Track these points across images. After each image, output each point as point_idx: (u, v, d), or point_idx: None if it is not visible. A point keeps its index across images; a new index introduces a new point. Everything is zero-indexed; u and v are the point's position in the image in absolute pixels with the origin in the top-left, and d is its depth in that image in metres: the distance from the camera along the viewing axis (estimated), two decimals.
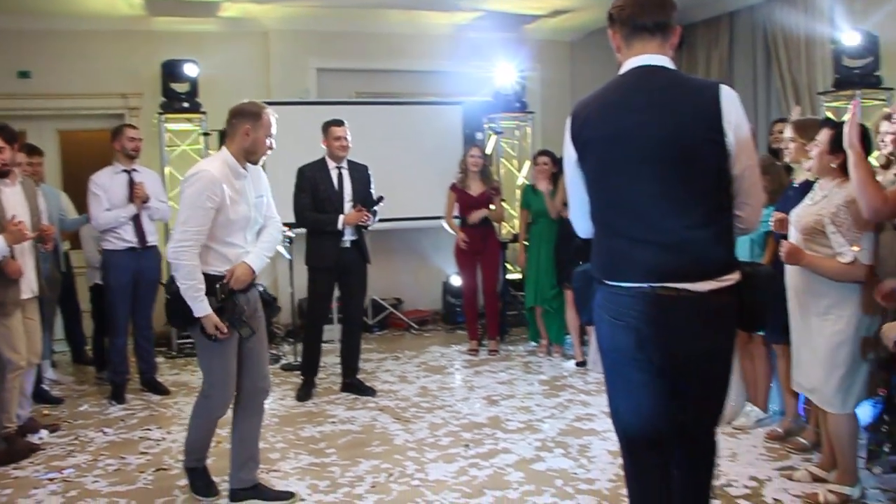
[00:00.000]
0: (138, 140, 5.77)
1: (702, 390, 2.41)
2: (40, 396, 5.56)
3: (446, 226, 6.87)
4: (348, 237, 5.53)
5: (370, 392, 5.63)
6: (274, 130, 3.62)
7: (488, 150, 7.95)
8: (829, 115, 6.59)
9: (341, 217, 5.47)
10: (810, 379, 3.60)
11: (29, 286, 4.63)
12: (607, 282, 2.42)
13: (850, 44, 6.32)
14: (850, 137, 3.12)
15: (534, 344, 6.97)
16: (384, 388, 5.78)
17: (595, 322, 2.52)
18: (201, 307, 3.45)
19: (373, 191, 5.67)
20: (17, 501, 3.90)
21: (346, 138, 5.54)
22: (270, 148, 3.62)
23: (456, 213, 6.83)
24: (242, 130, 3.52)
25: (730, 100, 2.29)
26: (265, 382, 3.82)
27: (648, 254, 2.31)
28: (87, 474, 4.25)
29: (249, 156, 3.58)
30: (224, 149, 3.60)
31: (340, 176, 5.58)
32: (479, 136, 7.98)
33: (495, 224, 6.93)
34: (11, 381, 4.49)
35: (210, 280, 3.48)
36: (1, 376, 4.43)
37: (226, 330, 3.49)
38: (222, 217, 3.49)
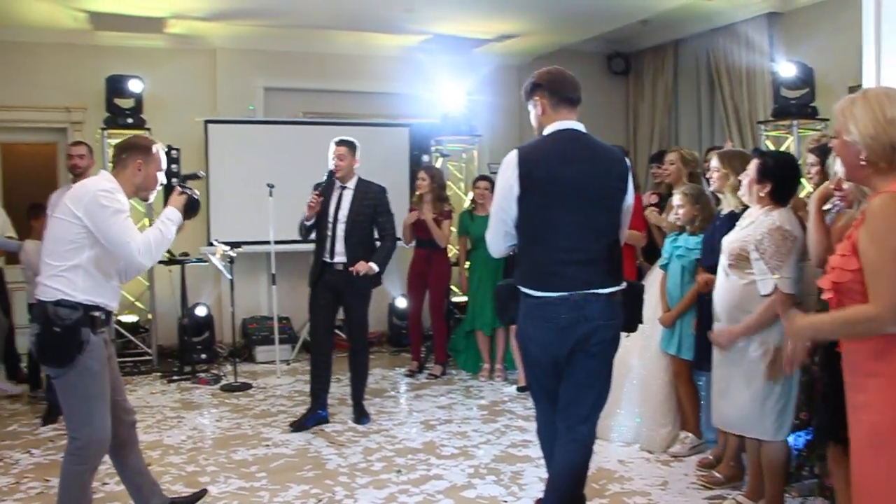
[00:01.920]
0: (77, 157, 5.68)
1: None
2: None
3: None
4: (339, 258, 5.35)
5: (363, 419, 5.46)
6: (164, 165, 3.48)
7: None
8: (769, 143, 6.76)
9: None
10: (739, 408, 3.62)
11: None
12: (535, 293, 3.09)
13: (787, 75, 6.49)
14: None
15: (465, 372, 6.96)
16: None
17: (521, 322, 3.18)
18: (174, 219, 3.39)
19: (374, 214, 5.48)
20: None
21: (337, 157, 5.37)
22: (161, 184, 3.48)
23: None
24: (134, 165, 3.36)
25: (627, 163, 3.24)
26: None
27: (573, 269, 3.05)
28: (6, 498, 4.14)
29: (140, 192, 3.42)
30: (104, 172, 3.45)
31: (340, 196, 5.42)
32: (426, 158, 8.00)
33: (443, 245, 6.86)
34: None
35: (88, 309, 3.21)
36: None
37: None
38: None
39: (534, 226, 3.08)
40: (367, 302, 5.55)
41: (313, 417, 5.36)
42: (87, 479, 3.31)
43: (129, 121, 7.13)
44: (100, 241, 3.19)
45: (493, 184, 6.42)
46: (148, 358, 7.32)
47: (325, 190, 5.44)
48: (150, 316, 7.53)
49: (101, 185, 3.24)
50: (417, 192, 6.78)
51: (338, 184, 5.42)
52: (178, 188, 3.50)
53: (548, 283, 3.06)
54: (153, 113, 7.26)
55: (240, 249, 6.62)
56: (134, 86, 7.11)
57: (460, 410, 5.76)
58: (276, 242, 6.77)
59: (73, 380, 3.16)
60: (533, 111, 3.22)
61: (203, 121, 7.56)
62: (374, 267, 5.31)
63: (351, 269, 5.26)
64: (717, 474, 4.20)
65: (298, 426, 5.28)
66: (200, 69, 8.02)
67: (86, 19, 7.22)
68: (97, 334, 3.22)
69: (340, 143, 5.44)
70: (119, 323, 7.32)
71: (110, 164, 7.08)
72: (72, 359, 3.13)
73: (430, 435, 5.16)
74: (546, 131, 3.15)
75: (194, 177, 3.75)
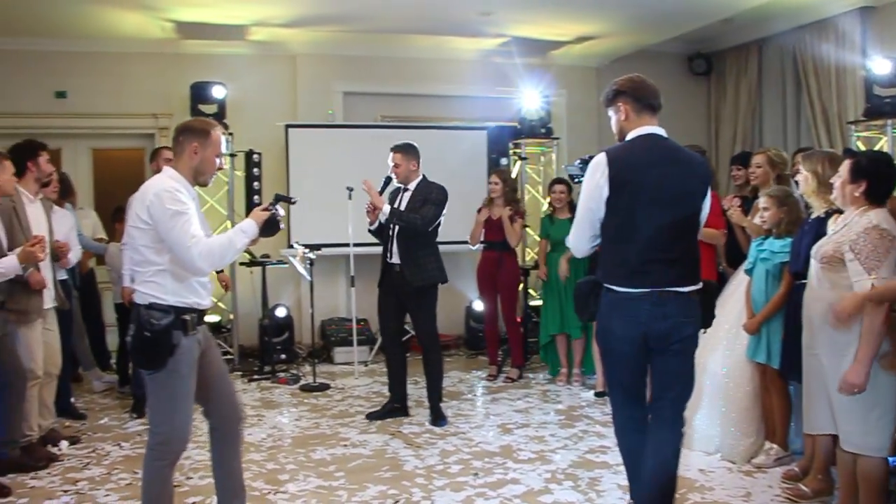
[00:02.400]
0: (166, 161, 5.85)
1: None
2: (66, 411, 5.65)
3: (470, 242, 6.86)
4: (395, 259, 5.45)
5: (440, 422, 5.48)
6: (222, 149, 3.43)
7: (513, 175, 7.94)
8: (860, 144, 6.51)
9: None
10: (844, 420, 3.46)
11: (50, 295, 4.79)
12: (619, 289, 3.21)
13: (881, 72, 6.22)
14: None
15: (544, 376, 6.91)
16: (399, 414, 5.75)
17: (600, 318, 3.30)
18: (248, 232, 3.34)
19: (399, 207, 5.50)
20: None
21: (393, 163, 5.48)
22: (220, 168, 3.43)
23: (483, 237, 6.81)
24: (190, 149, 3.29)
25: (708, 167, 3.51)
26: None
27: (656, 267, 3.17)
28: (100, 487, 4.30)
29: (198, 177, 3.36)
30: (167, 168, 3.36)
31: (401, 198, 5.53)
32: (503, 161, 7.98)
33: (513, 245, 6.81)
34: (30, 389, 4.59)
35: (179, 312, 3.21)
36: (21, 386, 4.50)
37: None
38: None
39: (621, 225, 3.21)
40: (428, 302, 5.53)
41: (388, 410, 5.57)
42: (167, 473, 3.35)
43: None
44: None
45: (569, 187, 6.43)
46: (229, 357, 7.49)
47: (392, 194, 5.53)
48: (231, 316, 7.71)
49: (164, 185, 3.21)
50: (489, 196, 6.76)
51: (402, 186, 5.51)
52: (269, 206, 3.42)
53: (632, 280, 3.18)
54: (235, 118, 7.44)
55: (319, 252, 6.72)
56: (217, 92, 7.30)
57: (537, 415, 5.72)
58: (355, 245, 6.86)
59: (162, 379, 3.21)
60: (615, 116, 3.35)
61: (284, 125, 7.72)
62: (386, 207, 5.33)
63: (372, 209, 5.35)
64: (803, 487, 4.04)
65: (374, 416, 5.52)
66: (281, 75, 8.19)
67: (172, 29, 7.46)
68: (189, 336, 3.22)
69: (395, 148, 5.53)
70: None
71: None
72: (163, 362, 3.16)
73: (507, 438, 5.13)
74: (629, 136, 3.29)
75: (287, 200, 3.66)
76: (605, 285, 3.26)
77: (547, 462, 4.67)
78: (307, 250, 6.54)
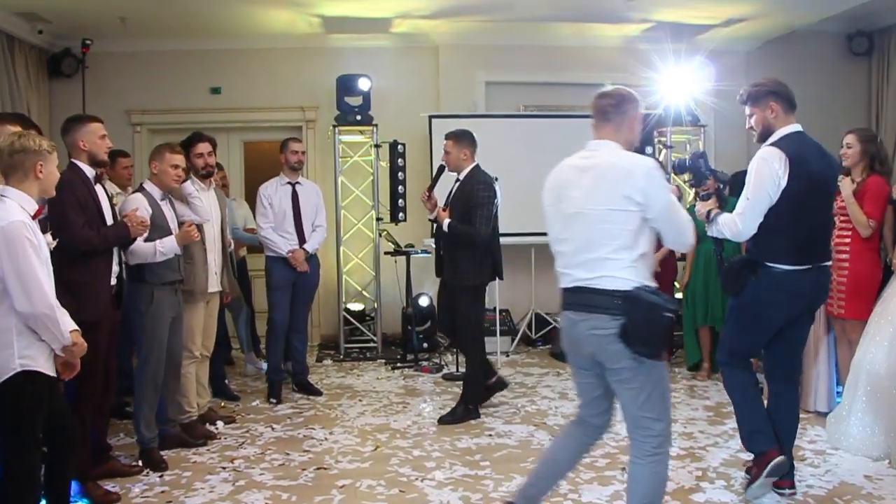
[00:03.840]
0: (301, 153, 6.05)
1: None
2: (221, 392, 5.94)
3: None
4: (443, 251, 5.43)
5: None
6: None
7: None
8: None
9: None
10: None
11: (215, 280, 5.06)
12: (784, 266, 3.68)
13: None
14: None
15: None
16: (543, 405, 5.72)
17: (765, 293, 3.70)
18: None
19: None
20: (194, 484, 4.20)
21: (444, 151, 5.37)
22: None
23: None
24: (633, 118, 3.09)
25: None
26: None
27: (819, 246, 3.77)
28: (254, 466, 4.47)
29: (629, 145, 3.12)
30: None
31: (453, 188, 5.44)
32: (648, 150, 7.75)
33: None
34: (186, 368, 4.84)
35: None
36: (177, 367, 4.75)
37: None
38: None
39: (792, 212, 3.61)
40: (468, 295, 5.30)
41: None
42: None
43: (358, 118, 7.47)
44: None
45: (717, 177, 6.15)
46: (373, 345, 7.64)
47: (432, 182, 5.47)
48: (375, 305, 7.85)
49: (652, 162, 3.02)
50: None
51: (455, 175, 5.39)
52: None
53: (800, 258, 3.68)
54: (380, 110, 7.56)
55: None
56: (362, 84, 7.44)
57: (684, 410, 5.52)
58: (499, 235, 6.82)
59: (659, 369, 2.98)
60: (761, 114, 3.76)
61: (427, 116, 7.78)
62: (446, 222, 5.19)
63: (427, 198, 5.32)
64: None
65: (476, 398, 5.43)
66: (424, 66, 8.26)
67: (319, 24, 7.66)
68: None
69: (447, 136, 5.42)
70: (347, 311, 7.71)
71: (340, 160, 7.61)
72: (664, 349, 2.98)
73: None
74: (782, 133, 3.71)
75: None
76: (768, 263, 3.69)
77: (697, 459, 4.50)
78: None
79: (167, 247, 4.44)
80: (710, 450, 4.67)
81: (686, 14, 7.52)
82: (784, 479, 3.81)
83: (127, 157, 5.95)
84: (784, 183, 3.55)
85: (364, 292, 7.98)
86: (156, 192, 4.58)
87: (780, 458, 3.65)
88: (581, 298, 2.97)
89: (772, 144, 3.63)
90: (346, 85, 7.47)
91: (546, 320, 7.96)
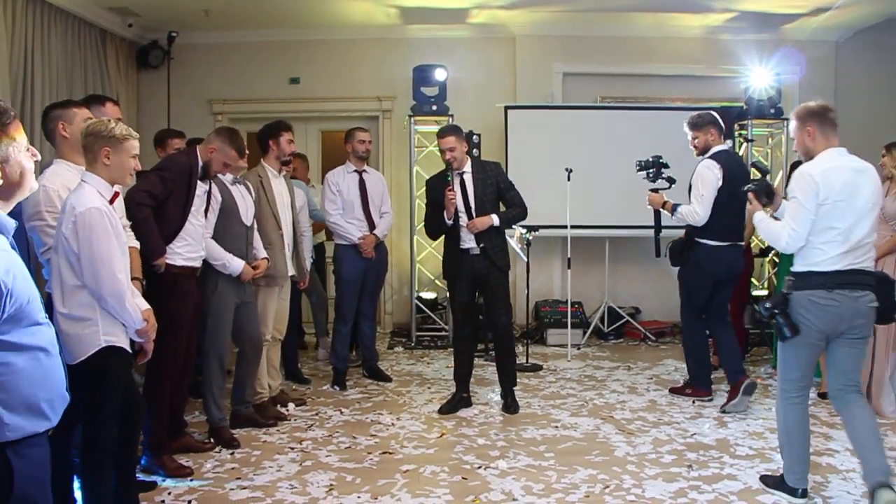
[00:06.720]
0: (368, 143, 6.11)
1: None
2: (293, 375, 6.08)
3: None
4: (472, 243, 5.23)
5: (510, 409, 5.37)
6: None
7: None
8: None
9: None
10: None
11: (290, 265, 5.23)
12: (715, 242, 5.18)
13: None
14: None
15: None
16: (612, 398, 5.66)
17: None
18: None
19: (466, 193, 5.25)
20: (263, 463, 4.32)
21: (448, 149, 5.17)
22: None
23: None
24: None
25: None
26: None
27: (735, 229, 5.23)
28: (321, 448, 4.56)
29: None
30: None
31: (462, 182, 5.23)
32: (728, 143, 7.56)
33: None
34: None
35: None
36: (257, 351, 4.89)
37: None
38: None
39: (721, 202, 5.13)
40: (501, 292, 5.33)
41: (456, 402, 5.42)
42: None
43: (434, 108, 7.49)
44: None
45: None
46: (444, 334, 7.68)
47: (443, 182, 5.23)
48: (447, 294, 7.86)
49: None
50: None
51: (455, 172, 5.21)
52: None
53: (722, 236, 5.21)
54: (456, 100, 7.57)
55: (536, 233, 6.69)
56: (439, 74, 7.46)
57: (757, 410, 5.37)
58: (573, 227, 6.77)
59: None
60: (703, 137, 5.40)
61: (503, 106, 7.76)
62: (495, 219, 5.17)
63: (469, 223, 5.16)
64: None
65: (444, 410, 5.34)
66: (500, 56, 8.24)
67: (397, 14, 7.72)
68: None
69: (446, 133, 5.25)
70: (419, 299, 7.77)
71: (416, 149, 7.67)
72: None
73: (724, 432, 4.86)
74: (716, 149, 5.33)
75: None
76: (700, 240, 5.24)
77: (766, 460, 4.36)
78: (525, 231, 6.55)
79: (231, 267, 4.57)
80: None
81: (772, 3, 7.30)
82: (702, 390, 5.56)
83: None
84: (720, 183, 5.13)
85: (437, 281, 8.02)
86: (227, 177, 4.68)
87: (749, 380, 5.25)
88: (858, 279, 3.55)
89: (710, 157, 5.25)
90: (422, 75, 7.51)
91: (619, 314, 7.86)
